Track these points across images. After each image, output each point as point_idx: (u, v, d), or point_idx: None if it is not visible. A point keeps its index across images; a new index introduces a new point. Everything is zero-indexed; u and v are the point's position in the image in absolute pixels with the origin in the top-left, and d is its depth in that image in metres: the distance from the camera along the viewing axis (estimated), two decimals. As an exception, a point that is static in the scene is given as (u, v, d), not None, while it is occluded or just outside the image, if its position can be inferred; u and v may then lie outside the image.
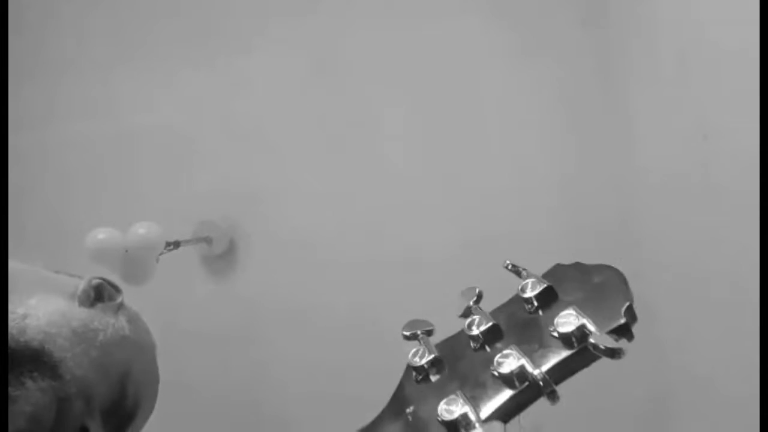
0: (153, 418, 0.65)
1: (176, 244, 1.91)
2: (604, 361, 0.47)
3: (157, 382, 0.65)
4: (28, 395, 0.50)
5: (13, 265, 0.59)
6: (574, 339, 0.47)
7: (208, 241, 2.05)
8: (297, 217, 2.03)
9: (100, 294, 0.62)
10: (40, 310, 0.55)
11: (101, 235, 1.75)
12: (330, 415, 1.83)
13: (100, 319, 0.59)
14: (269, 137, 2.06)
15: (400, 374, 0.56)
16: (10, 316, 0.53)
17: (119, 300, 0.63)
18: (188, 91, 2.11)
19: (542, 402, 0.48)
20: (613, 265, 0.52)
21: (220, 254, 2.08)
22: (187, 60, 2.09)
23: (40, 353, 0.52)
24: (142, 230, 1.80)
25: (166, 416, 0.70)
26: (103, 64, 2.14)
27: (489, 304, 0.56)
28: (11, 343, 0.51)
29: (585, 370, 0.49)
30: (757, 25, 1.03)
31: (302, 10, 2.00)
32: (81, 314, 0.58)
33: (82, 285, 0.61)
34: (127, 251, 1.77)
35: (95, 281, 0.62)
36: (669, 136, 1.56)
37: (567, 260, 0.56)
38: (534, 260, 0.58)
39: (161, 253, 1.85)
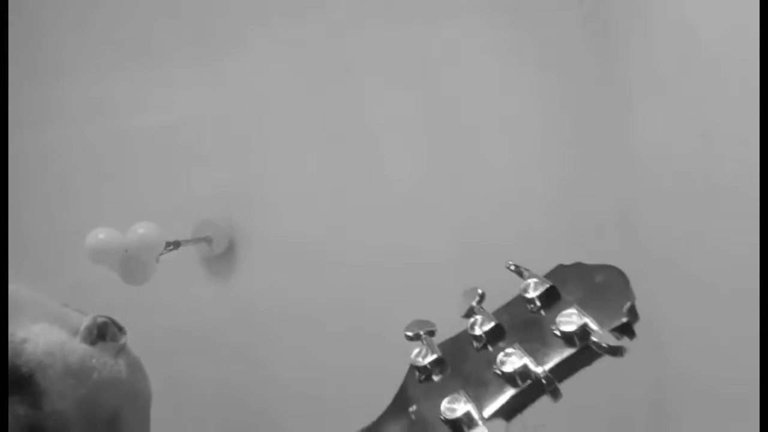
0: (152, 418, 0.65)
1: (176, 244, 1.91)
2: (604, 360, 0.48)
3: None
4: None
5: (23, 292, 0.59)
6: (576, 338, 0.48)
7: (208, 241, 2.06)
8: (297, 218, 2.03)
9: (103, 333, 0.61)
10: (41, 338, 0.55)
11: (101, 235, 1.75)
12: (330, 415, 1.83)
13: (98, 357, 0.58)
14: (269, 137, 2.07)
15: (400, 374, 0.56)
16: (10, 338, 0.53)
17: (122, 341, 0.62)
18: (188, 91, 2.11)
19: (543, 401, 0.49)
20: (614, 265, 0.52)
21: (220, 254, 2.08)
22: (187, 60, 2.10)
23: (27, 380, 0.52)
24: (142, 230, 1.80)
25: (166, 416, 0.70)
26: (103, 65, 2.14)
27: (489, 304, 0.56)
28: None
29: (586, 370, 0.49)
30: (757, 25, 1.03)
31: (301, 11, 2.00)
32: (80, 350, 0.57)
33: (86, 321, 0.60)
34: (127, 251, 1.77)
35: (101, 319, 0.61)
36: (669, 136, 1.56)
37: (567, 260, 0.56)
38: (534, 260, 0.58)
39: (161, 253, 1.85)
